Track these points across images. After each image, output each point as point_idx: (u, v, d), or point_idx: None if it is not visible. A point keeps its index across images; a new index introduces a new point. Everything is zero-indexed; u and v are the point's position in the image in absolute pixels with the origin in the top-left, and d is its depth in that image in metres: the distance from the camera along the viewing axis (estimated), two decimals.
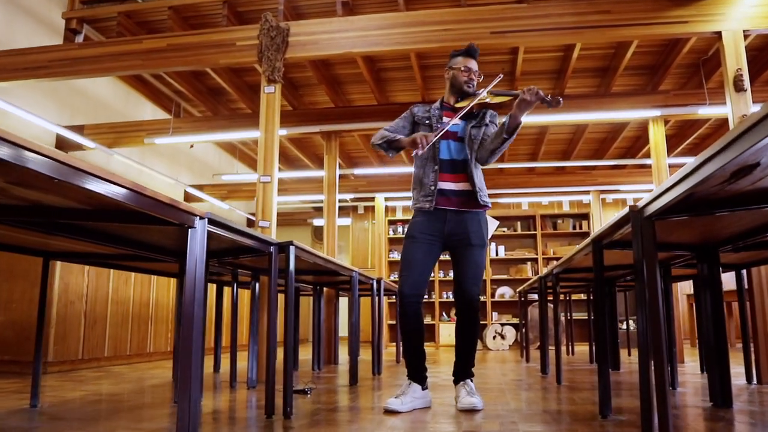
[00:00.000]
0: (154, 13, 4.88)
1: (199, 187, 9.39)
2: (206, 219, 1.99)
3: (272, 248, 2.62)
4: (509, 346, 8.74)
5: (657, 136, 5.76)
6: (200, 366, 1.92)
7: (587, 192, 9.02)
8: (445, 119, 2.71)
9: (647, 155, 8.08)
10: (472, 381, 2.66)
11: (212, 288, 6.32)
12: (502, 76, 2.79)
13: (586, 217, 9.19)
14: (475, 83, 2.77)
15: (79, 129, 6.67)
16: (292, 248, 2.65)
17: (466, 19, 4.17)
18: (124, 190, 1.55)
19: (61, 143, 6.78)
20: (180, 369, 1.81)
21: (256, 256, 2.68)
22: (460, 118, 2.71)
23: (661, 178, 5.68)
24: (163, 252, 2.78)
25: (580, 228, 9.24)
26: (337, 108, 6.22)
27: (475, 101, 2.64)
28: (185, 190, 9.52)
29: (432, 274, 2.75)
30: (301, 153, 8.10)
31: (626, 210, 1.87)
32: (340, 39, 4.30)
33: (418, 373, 2.64)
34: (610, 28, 4.13)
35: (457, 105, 2.74)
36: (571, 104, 5.73)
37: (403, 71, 5.79)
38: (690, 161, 1.39)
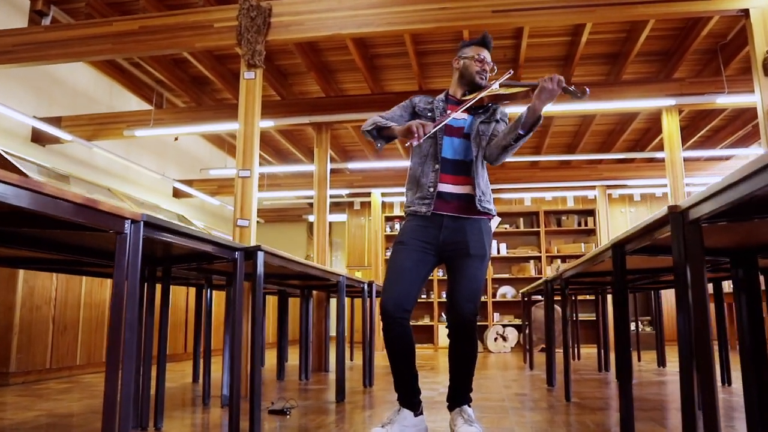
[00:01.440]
0: None
1: (188, 183, 9.00)
2: (141, 222, 1.61)
3: (237, 254, 2.25)
4: (511, 348, 8.38)
5: (671, 126, 5.37)
6: (130, 398, 1.55)
7: (593, 187, 8.63)
8: (449, 112, 2.36)
9: (657, 148, 7.69)
10: (470, 406, 2.28)
11: (191, 291, 5.96)
12: (512, 72, 2.44)
13: (591, 213, 8.81)
14: (487, 76, 2.40)
15: (56, 121, 6.29)
16: (260, 254, 2.28)
17: None
18: (12, 189, 1.18)
19: (38, 136, 6.40)
20: (104, 404, 1.45)
21: (219, 262, 2.31)
22: (466, 112, 2.34)
23: (675, 172, 5.29)
24: (112, 257, 2.40)
25: (586, 225, 8.85)
26: (328, 98, 5.83)
27: (485, 92, 2.25)
28: (173, 186, 9.15)
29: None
30: (294, 146, 7.72)
31: (662, 211, 1.49)
32: (327, 19, 3.91)
33: (408, 398, 2.26)
34: (625, 5, 3.73)
35: (466, 96, 2.37)
36: None
37: (398, 58, 5.40)
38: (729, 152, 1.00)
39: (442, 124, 2.19)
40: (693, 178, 7.94)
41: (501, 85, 2.25)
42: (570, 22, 4.29)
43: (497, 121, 2.36)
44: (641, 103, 5.32)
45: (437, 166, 2.29)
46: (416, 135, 2.07)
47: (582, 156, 7.57)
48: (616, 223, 9.40)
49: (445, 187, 2.29)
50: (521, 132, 2.11)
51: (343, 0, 3.90)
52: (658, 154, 7.13)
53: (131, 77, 6.07)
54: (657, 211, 1.60)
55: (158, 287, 2.61)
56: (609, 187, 8.64)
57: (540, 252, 8.75)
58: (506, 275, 8.80)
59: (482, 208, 2.29)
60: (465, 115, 2.35)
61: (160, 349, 2.68)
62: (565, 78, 5.57)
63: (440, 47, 5.25)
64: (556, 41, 5.12)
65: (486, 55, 2.39)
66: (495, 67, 2.42)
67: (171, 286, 4.03)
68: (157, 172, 7.91)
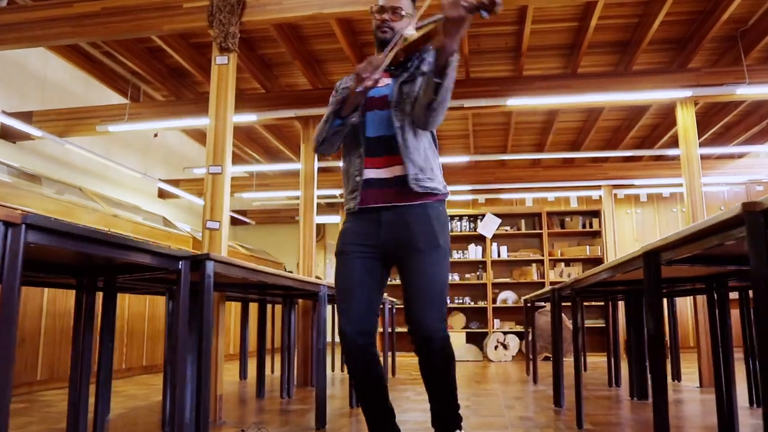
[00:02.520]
0: None
1: (175, 183, 8.60)
2: (22, 226, 1.20)
3: (181, 264, 1.84)
4: (512, 357, 7.96)
5: (686, 120, 4.96)
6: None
7: (598, 187, 8.22)
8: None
9: (667, 145, 7.28)
10: (461, 429, 1.84)
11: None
12: (439, 17, 1.70)
13: (596, 214, 8.39)
14: (395, 26, 1.88)
15: (27, 116, 5.89)
16: (209, 264, 1.87)
17: None
18: None
19: (7, 132, 5.99)
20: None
21: (159, 273, 1.90)
22: (387, 75, 1.90)
23: (692, 169, 4.88)
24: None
25: (591, 226, 8.43)
26: (316, 90, 5.42)
27: (394, 46, 1.78)
28: (159, 187, 8.73)
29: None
30: (283, 144, 7.31)
31: (735, 210, 1.07)
32: None
33: None
34: None
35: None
36: (586, 84, 4.93)
37: None
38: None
39: (393, 48, 1.75)
40: (706, 177, 7.53)
41: (410, 32, 1.77)
42: (574, 2, 3.88)
43: (424, 73, 1.86)
44: (654, 95, 4.91)
45: (361, 150, 1.87)
46: (366, 76, 1.70)
47: (587, 153, 7.16)
48: (621, 224, 9.00)
49: (372, 173, 1.85)
50: (436, 80, 1.64)
51: None
52: (670, 151, 6.73)
53: (105, 69, 5.65)
54: (718, 214, 1.20)
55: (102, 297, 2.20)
56: (615, 187, 8.23)
57: (542, 255, 8.33)
58: (507, 280, 8.38)
59: (421, 188, 1.81)
60: (388, 80, 1.90)
61: (102, 364, 2.27)
62: (571, 68, 5.22)
63: None
64: (561, 27, 4.71)
65: (388, 2, 1.89)
66: (404, 12, 1.88)
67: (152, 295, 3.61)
68: (137, 171, 7.49)
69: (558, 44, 4.98)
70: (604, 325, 6.47)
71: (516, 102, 4.90)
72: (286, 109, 5.19)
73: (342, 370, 6.23)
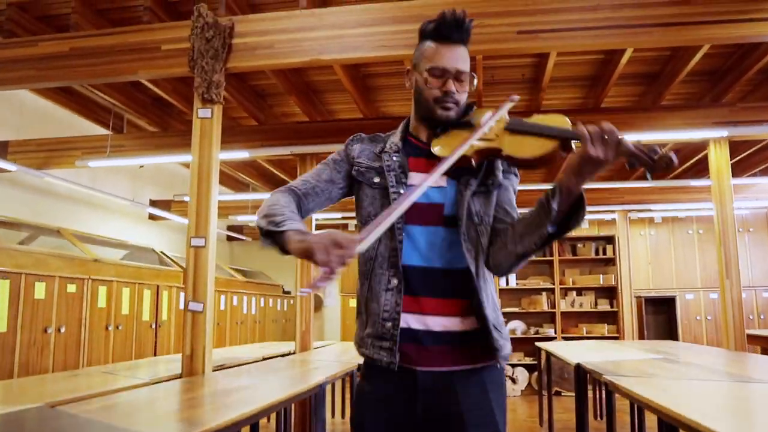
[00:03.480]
0: (57, 5, 3.61)
1: (166, 205, 8.15)
2: None
3: None
4: (521, 391, 7.55)
5: (720, 159, 4.51)
6: None
7: (612, 210, 7.78)
8: (412, 178, 1.32)
9: (693, 171, 6.83)
10: None
11: None
12: (517, 98, 1.40)
13: (610, 240, 7.96)
14: (461, 99, 1.33)
15: (2, 147, 5.44)
16: None
17: (481, 12, 2.91)
18: None
19: None
20: None
21: None
22: (444, 176, 1.31)
23: (724, 200, 4.45)
24: None
25: (604, 253, 8.00)
26: (313, 123, 4.97)
27: (467, 145, 1.24)
28: (149, 212, 8.28)
29: None
30: (286, 175, 6.84)
31: None
32: (303, 41, 3.05)
33: None
34: (676, 27, 2.87)
35: (436, 148, 1.31)
36: (610, 119, 4.45)
37: (396, 77, 4.54)
38: None
39: (386, 224, 1.11)
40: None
41: (502, 128, 1.27)
42: (606, 47, 3.44)
43: (500, 185, 1.34)
44: (685, 134, 4.46)
45: (395, 282, 1.28)
46: (328, 270, 1.05)
47: (601, 185, 6.71)
48: (635, 246, 8.56)
49: (417, 321, 1.28)
50: (550, 230, 1.16)
51: (324, 16, 3.04)
52: (694, 182, 6.28)
53: (84, 100, 5.19)
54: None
55: None
56: (630, 210, 7.80)
57: (553, 283, 7.90)
58: (516, 309, 7.95)
59: (497, 346, 1.28)
60: (441, 182, 1.31)
61: None
62: (592, 100, 4.74)
63: None
64: (586, 59, 4.26)
65: (456, 58, 1.29)
66: (475, 78, 1.33)
67: None
68: (125, 198, 7.04)
69: (581, 76, 4.53)
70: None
71: None
72: (280, 146, 4.74)
73: (342, 416, 5.81)
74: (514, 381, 7.53)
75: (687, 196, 7.10)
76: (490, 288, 1.33)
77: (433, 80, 1.30)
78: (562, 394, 7.20)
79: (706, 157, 5.94)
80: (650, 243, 8.68)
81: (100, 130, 5.69)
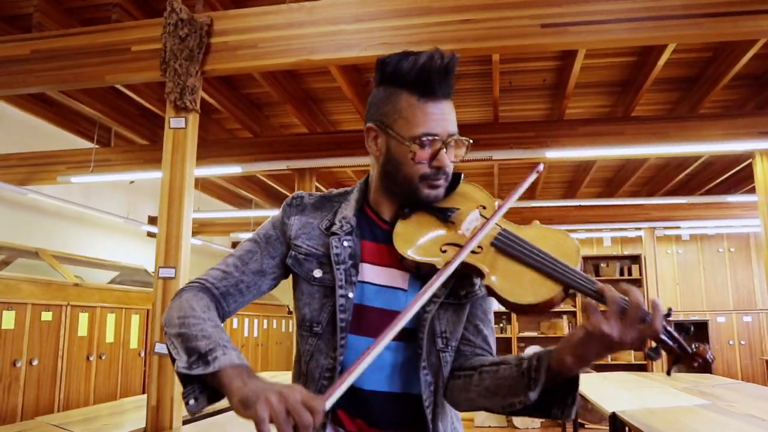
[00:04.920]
0: (19, 3, 3.22)
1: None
2: None
3: None
4: (541, 422, 7.00)
5: (767, 173, 4.01)
6: None
7: (638, 228, 7.26)
8: (364, 273, 0.99)
9: (723, 189, 6.30)
10: None
11: None
12: (539, 171, 1.10)
13: (635, 259, 7.43)
14: (450, 171, 0.99)
15: None
16: None
17: (498, 3, 2.47)
18: None
19: None
20: None
21: None
22: (402, 272, 0.99)
23: None
24: None
25: (630, 273, 7.47)
26: (313, 135, 4.54)
27: (460, 259, 0.89)
28: (147, 230, 7.90)
29: None
30: (288, 190, 6.42)
31: None
32: (293, 39, 2.63)
33: None
34: (730, 17, 2.41)
35: (401, 243, 0.96)
36: (641, 130, 3.99)
37: None
38: None
39: (355, 375, 0.78)
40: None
41: (485, 242, 0.93)
42: (645, 42, 2.97)
43: (475, 294, 1.00)
44: (726, 146, 3.97)
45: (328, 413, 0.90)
46: None
47: (626, 200, 6.20)
48: (661, 265, 8.00)
49: None
50: (523, 404, 0.86)
51: (314, 10, 2.61)
52: (731, 198, 5.75)
53: (64, 111, 4.81)
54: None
55: None
56: (656, 228, 7.27)
57: (575, 306, 7.38)
58: (534, 333, 7.43)
59: None
60: (398, 279, 0.99)
61: None
62: (621, 108, 4.27)
63: (462, 69, 3.94)
64: (615, 63, 3.80)
65: (448, 123, 0.95)
66: (467, 145, 0.98)
67: None
68: (118, 215, 6.66)
69: (609, 81, 4.07)
70: None
71: (556, 154, 3.99)
72: (276, 160, 4.32)
73: None
74: None
75: (720, 212, 6.56)
76: (446, 417, 1.00)
77: (421, 152, 0.94)
78: (586, 426, 6.65)
79: (743, 170, 5.45)
80: (677, 262, 8.12)
81: (86, 144, 5.32)
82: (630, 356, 7.13)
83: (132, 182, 6.18)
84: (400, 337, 0.91)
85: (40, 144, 5.28)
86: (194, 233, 7.93)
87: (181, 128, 2.62)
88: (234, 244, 10.19)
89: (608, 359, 7.28)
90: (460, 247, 0.90)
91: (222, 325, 0.91)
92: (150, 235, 8.19)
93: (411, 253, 0.93)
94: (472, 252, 0.90)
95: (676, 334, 0.78)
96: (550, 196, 6.73)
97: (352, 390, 0.86)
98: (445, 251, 0.92)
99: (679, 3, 2.43)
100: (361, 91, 4.05)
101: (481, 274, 0.89)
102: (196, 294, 0.95)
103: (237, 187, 6.72)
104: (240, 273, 0.99)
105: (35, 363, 4.02)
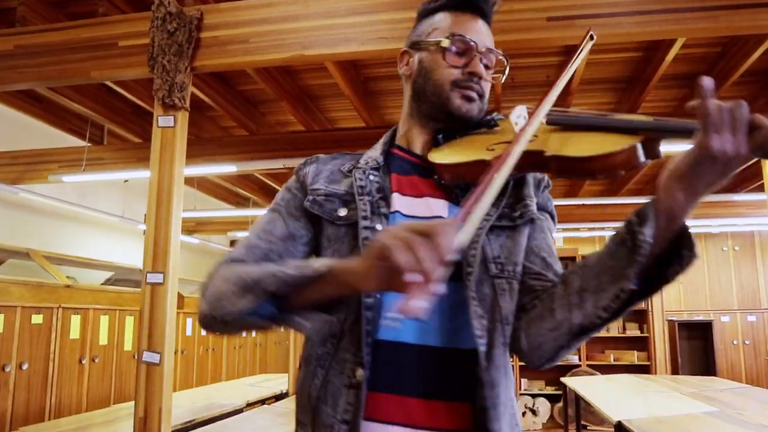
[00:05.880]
0: None
1: None
2: None
3: None
4: (543, 424, 6.91)
5: None
6: None
7: None
8: (396, 203, 0.84)
9: (728, 187, 6.17)
10: None
11: None
12: (594, 35, 0.95)
13: None
14: (486, 93, 0.89)
15: None
16: None
17: None
18: None
19: None
20: None
21: None
22: (443, 199, 0.86)
23: None
24: None
25: None
26: (309, 133, 4.43)
27: (533, 128, 0.77)
28: (144, 230, 7.79)
29: None
30: (279, 184, 6.32)
31: None
32: (287, 33, 2.51)
33: None
34: (748, 8, 2.29)
35: (437, 155, 0.85)
36: None
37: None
38: None
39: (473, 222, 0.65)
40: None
41: (549, 125, 0.81)
42: (656, 36, 2.85)
43: (531, 221, 0.86)
44: None
45: (359, 373, 0.76)
46: (421, 276, 0.57)
47: (626, 200, 6.09)
48: None
49: None
50: (633, 285, 0.70)
51: (309, 3, 2.49)
52: (738, 197, 5.64)
53: (54, 108, 4.70)
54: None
55: None
56: None
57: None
58: None
59: None
60: (439, 208, 0.85)
61: None
62: (627, 105, 4.15)
63: None
64: (620, 58, 3.68)
65: (484, 36, 0.89)
66: (507, 62, 0.91)
67: None
68: (113, 214, 6.55)
69: (615, 77, 3.95)
70: None
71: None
72: (272, 158, 4.20)
73: None
74: (534, 413, 6.90)
75: (726, 210, 6.45)
76: (509, 386, 0.81)
77: (453, 56, 0.87)
78: (588, 427, 6.56)
79: (750, 167, 5.33)
80: None
81: (79, 142, 5.21)
82: (633, 357, 7.04)
83: (126, 181, 6.06)
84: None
85: (31, 142, 5.17)
86: (191, 232, 7.86)
87: (170, 127, 2.51)
88: (232, 243, 10.09)
89: (611, 359, 7.18)
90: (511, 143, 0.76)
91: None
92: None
93: (452, 160, 0.81)
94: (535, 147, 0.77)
95: None
96: (552, 195, 6.60)
97: (380, 347, 0.76)
98: (493, 149, 0.79)
99: None
100: (359, 87, 3.93)
101: (539, 155, 0.75)
102: (231, 264, 0.81)
103: (234, 186, 6.61)
104: (267, 243, 0.86)
105: (25, 367, 3.93)
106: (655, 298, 7.08)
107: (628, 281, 0.69)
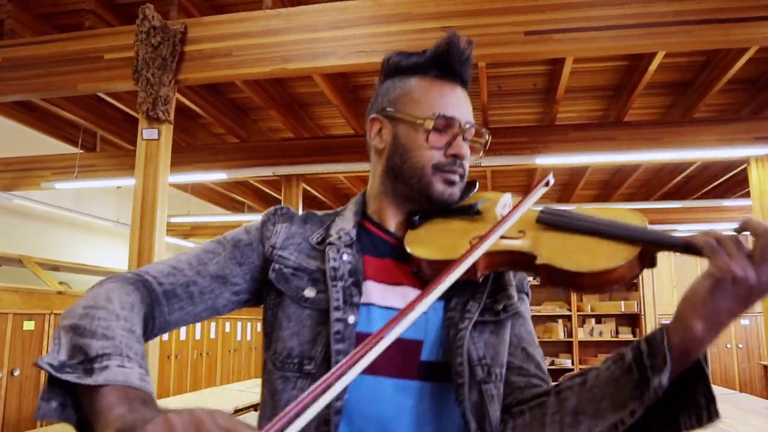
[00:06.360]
0: None
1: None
2: None
3: None
4: None
5: (762, 181, 3.93)
6: None
7: None
8: (369, 293, 0.76)
9: (721, 191, 6.21)
10: None
11: None
12: (552, 181, 0.86)
13: None
14: (467, 171, 0.83)
15: None
16: None
17: (480, 9, 2.39)
18: None
19: None
20: None
21: None
22: (416, 281, 0.81)
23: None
24: None
25: None
26: (299, 140, 4.46)
27: (489, 242, 0.69)
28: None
29: None
30: (279, 194, 6.35)
31: None
32: (269, 47, 2.54)
33: None
34: (722, 25, 2.32)
35: (413, 247, 0.77)
36: (634, 135, 3.91)
37: None
38: None
39: (323, 401, 0.53)
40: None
41: (526, 224, 0.76)
42: (634, 50, 2.88)
43: (514, 313, 0.80)
44: (721, 152, 3.89)
45: None
46: None
47: (620, 205, 6.12)
48: (658, 268, 7.89)
49: None
50: (646, 400, 0.60)
51: (291, 17, 2.53)
52: (727, 203, 5.67)
53: (47, 116, 4.73)
54: None
55: None
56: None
57: (570, 310, 7.29)
58: None
59: None
60: (420, 302, 0.68)
61: None
62: (614, 113, 4.18)
63: None
64: (607, 67, 3.71)
65: (467, 110, 0.83)
66: (488, 138, 0.85)
67: None
68: (108, 219, 6.58)
69: (601, 85, 3.98)
70: None
71: (547, 160, 3.90)
72: (262, 166, 4.24)
73: None
74: None
75: (717, 215, 6.47)
76: None
77: (435, 135, 0.79)
78: None
79: (740, 174, 5.36)
80: (675, 264, 8.02)
81: (72, 149, 5.24)
82: None
83: (119, 188, 6.09)
84: (424, 374, 0.72)
85: (25, 149, 5.20)
86: (186, 236, 7.89)
87: (154, 140, 2.54)
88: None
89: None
90: (508, 238, 0.72)
91: (140, 333, 0.65)
92: None
93: (430, 255, 0.73)
94: (511, 238, 0.72)
95: None
96: (545, 200, 6.63)
97: None
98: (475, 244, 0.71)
99: (668, 9, 2.34)
100: (348, 96, 3.97)
101: (530, 261, 0.69)
102: (123, 286, 0.70)
103: (229, 191, 6.65)
104: (194, 273, 0.76)
105: (17, 374, 3.95)
106: (649, 303, 7.10)
107: (629, 416, 0.62)
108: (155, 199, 2.50)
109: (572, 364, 7.20)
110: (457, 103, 0.81)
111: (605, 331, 7.19)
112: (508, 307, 0.77)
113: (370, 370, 0.64)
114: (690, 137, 3.85)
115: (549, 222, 0.73)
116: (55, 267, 5.26)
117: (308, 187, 5.70)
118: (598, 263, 0.64)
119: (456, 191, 0.80)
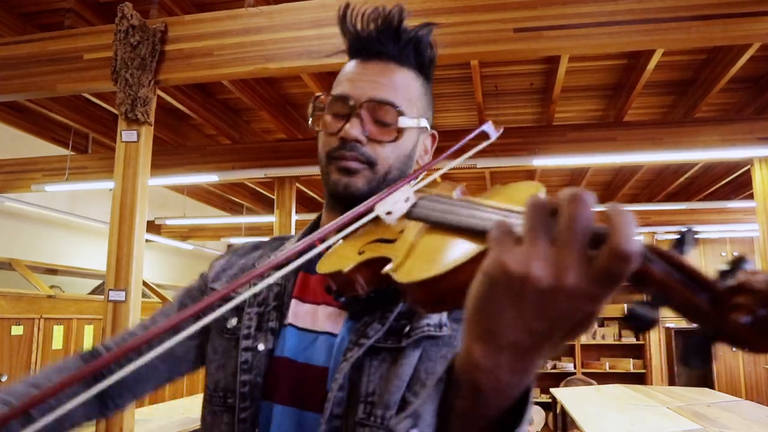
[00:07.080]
0: None
1: (155, 228, 7.63)
2: None
3: None
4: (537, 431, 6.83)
5: (767, 182, 3.81)
6: None
7: (638, 233, 7.04)
8: (296, 314, 0.68)
9: (726, 192, 6.09)
10: None
11: None
12: (492, 131, 0.71)
13: None
14: (381, 156, 0.68)
15: None
16: None
17: (467, 5, 2.30)
18: None
19: None
20: None
21: None
22: (341, 310, 0.67)
23: None
24: None
25: None
26: (292, 141, 4.38)
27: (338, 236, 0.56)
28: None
29: None
30: (268, 190, 6.28)
31: None
32: (250, 46, 2.46)
33: None
34: (734, 20, 2.22)
35: (321, 270, 0.57)
36: (634, 136, 3.80)
37: None
38: None
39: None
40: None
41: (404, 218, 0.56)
42: (630, 48, 2.78)
43: (428, 337, 0.62)
44: (723, 153, 3.77)
45: None
46: None
47: (622, 206, 5.99)
48: None
49: None
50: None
51: (273, 15, 2.44)
52: (732, 204, 5.55)
53: (35, 117, 4.67)
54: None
55: None
56: (656, 233, 7.06)
57: None
58: None
59: None
60: (335, 321, 0.66)
61: None
62: (613, 113, 4.08)
63: (442, 73, 3.76)
64: (607, 65, 3.61)
65: (368, 85, 0.68)
66: (397, 110, 0.67)
67: None
68: (101, 221, 6.52)
69: (599, 84, 3.88)
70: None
71: (544, 162, 3.80)
72: (254, 168, 4.15)
73: None
74: (528, 422, 6.82)
75: (722, 217, 6.34)
76: None
77: (330, 120, 0.68)
78: None
79: (744, 175, 5.24)
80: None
81: (63, 151, 5.18)
82: (629, 365, 6.93)
83: (111, 190, 6.02)
84: (299, 401, 0.63)
85: (15, 151, 5.14)
86: (185, 238, 7.82)
87: (133, 142, 2.46)
88: (229, 247, 10.04)
89: (606, 367, 7.08)
90: (386, 242, 0.55)
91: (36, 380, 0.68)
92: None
93: (322, 268, 0.58)
94: (388, 241, 0.55)
95: (681, 260, 0.34)
96: None
97: None
98: (363, 252, 0.56)
99: (665, 5, 2.25)
100: None
101: (379, 270, 0.51)
102: (68, 359, 0.72)
103: (225, 193, 6.58)
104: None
105: (4, 379, 3.89)
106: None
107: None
108: (134, 202, 2.43)
109: (574, 367, 7.09)
110: (360, 79, 0.68)
111: (608, 334, 7.08)
112: (414, 330, 0.61)
113: (276, 398, 0.64)
114: (691, 138, 3.74)
115: (418, 216, 0.55)
116: (48, 270, 5.20)
117: (304, 188, 5.62)
118: (432, 268, 0.45)
119: (355, 181, 0.67)
